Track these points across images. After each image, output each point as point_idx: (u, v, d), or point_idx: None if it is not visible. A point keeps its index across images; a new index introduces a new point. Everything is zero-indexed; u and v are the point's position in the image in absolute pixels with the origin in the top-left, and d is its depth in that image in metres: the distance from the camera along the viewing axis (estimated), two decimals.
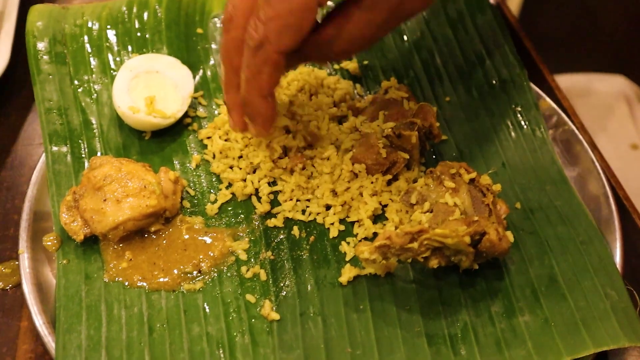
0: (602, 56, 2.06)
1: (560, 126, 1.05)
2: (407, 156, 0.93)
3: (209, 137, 1.00)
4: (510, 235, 0.84)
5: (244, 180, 0.94)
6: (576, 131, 1.03)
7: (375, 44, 0.84)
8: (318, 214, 0.92)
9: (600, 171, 0.98)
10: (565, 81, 1.53)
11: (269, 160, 0.94)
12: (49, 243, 0.88)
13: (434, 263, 0.81)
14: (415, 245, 0.79)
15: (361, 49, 0.84)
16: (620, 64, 1.98)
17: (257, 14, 0.76)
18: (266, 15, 0.75)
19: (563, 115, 1.05)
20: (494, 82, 1.09)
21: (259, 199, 0.93)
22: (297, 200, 0.93)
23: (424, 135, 0.94)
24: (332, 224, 0.91)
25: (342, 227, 0.91)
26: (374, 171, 0.93)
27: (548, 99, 1.07)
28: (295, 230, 0.91)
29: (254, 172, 0.95)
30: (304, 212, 0.93)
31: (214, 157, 0.98)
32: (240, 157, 0.97)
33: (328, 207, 0.92)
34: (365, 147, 0.93)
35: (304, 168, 0.93)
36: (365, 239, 0.90)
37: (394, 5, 0.78)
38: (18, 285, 0.89)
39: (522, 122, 1.04)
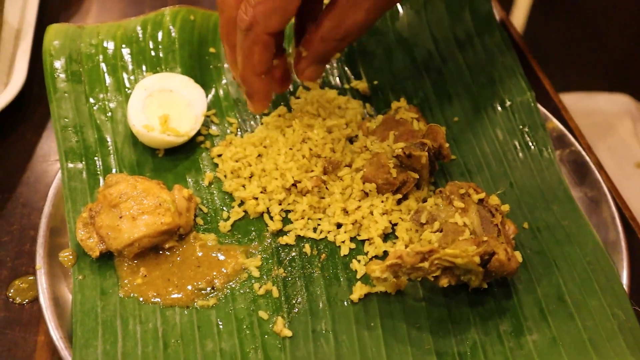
0: (605, 74, 2.08)
1: (567, 147, 1.06)
2: (417, 176, 0.95)
3: (219, 155, 1.02)
4: (518, 256, 0.86)
5: (256, 198, 0.96)
6: (583, 152, 1.04)
7: (370, 28, 0.94)
8: (329, 232, 0.93)
9: (607, 192, 0.99)
10: (569, 100, 1.54)
11: (282, 190, 0.95)
12: (65, 259, 0.90)
13: (444, 282, 0.83)
14: (426, 264, 0.81)
15: (358, 34, 0.92)
16: (623, 82, 2.00)
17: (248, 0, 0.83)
18: None
19: (569, 135, 1.07)
20: (502, 102, 1.10)
21: (271, 217, 0.95)
22: (309, 219, 0.94)
23: (434, 155, 0.96)
24: (343, 242, 0.93)
25: (353, 245, 0.93)
26: (384, 190, 0.95)
27: (555, 120, 1.09)
28: (307, 248, 0.92)
29: (266, 190, 0.97)
30: (315, 230, 0.94)
31: (225, 176, 1.00)
32: (252, 176, 0.99)
33: (339, 226, 0.94)
34: (375, 167, 0.95)
35: (317, 190, 0.95)
36: (376, 257, 0.91)
37: None
38: (35, 300, 0.90)
39: (530, 143, 1.05)
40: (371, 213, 0.93)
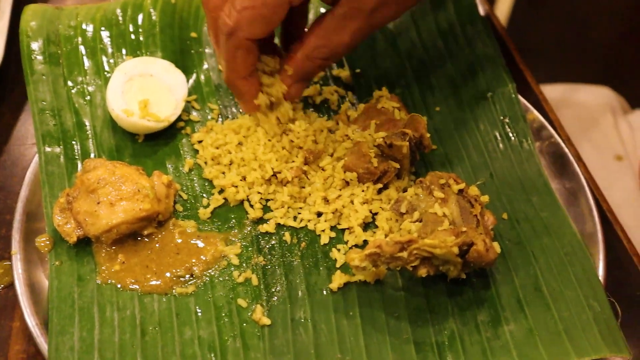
0: (588, 66, 2.09)
1: (547, 139, 1.07)
2: (397, 166, 0.95)
3: (200, 142, 1.01)
4: (497, 247, 0.86)
5: (236, 186, 0.95)
6: (562, 144, 1.05)
7: (356, 48, 0.94)
8: (309, 220, 0.93)
9: (585, 184, 1.00)
10: (551, 91, 1.55)
11: (262, 180, 0.95)
12: (42, 244, 0.88)
13: (422, 272, 0.83)
14: (404, 254, 0.81)
15: (343, 53, 0.93)
16: (605, 74, 2.01)
17: (233, 2, 0.82)
18: (241, 4, 0.81)
19: (550, 127, 1.07)
20: (483, 93, 1.10)
21: (251, 205, 0.94)
22: (289, 208, 0.94)
23: (415, 145, 0.96)
24: (323, 230, 0.92)
25: (333, 234, 0.93)
26: (365, 180, 0.95)
27: (535, 112, 1.09)
28: (287, 236, 0.92)
29: (246, 180, 0.96)
30: (295, 218, 0.94)
31: (205, 163, 0.99)
32: (231, 163, 0.98)
33: (319, 214, 0.94)
34: (356, 156, 0.95)
35: (298, 180, 0.95)
36: (356, 246, 0.91)
37: (365, 14, 0.86)
38: (10, 286, 0.89)
39: (510, 134, 1.06)
40: (352, 202, 0.93)
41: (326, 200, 0.94)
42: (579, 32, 2.23)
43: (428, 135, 0.96)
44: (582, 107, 1.61)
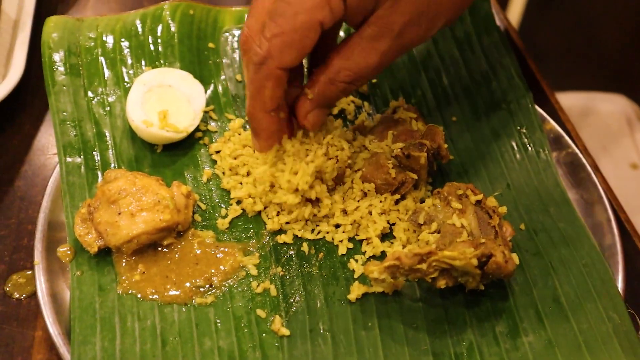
0: (599, 73, 2.09)
1: (564, 148, 1.07)
2: (415, 176, 0.96)
3: (218, 152, 1.02)
4: (515, 258, 0.86)
5: (254, 197, 0.95)
6: (579, 154, 1.05)
7: (381, 71, 0.89)
8: (327, 232, 0.93)
9: (603, 194, 1.00)
10: (566, 100, 1.55)
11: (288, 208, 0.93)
12: (63, 254, 0.89)
13: (441, 283, 0.83)
14: (424, 266, 0.81)
15: (369, 77, 0.88)
16: (617, 81, 2.00)
17: (263, 32, 0.80)
18: (271, 32, 0.79)
19: (567, 137, 1.08)
20: (499, 103, 1.11)
21: (268, 217, 0.95)
22: (307, 220, 0.94)
23: (432, 156, 0.96)
24: (341, 241, 0.93)
25: (351, 245, 0.93)
26: (382, 190, 0.95)
27: (552, 122, 1.09)
28: (305, 247, 0.93)
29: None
30: (312, 230, 0.94)
31: (223, 173, 1.00)
32: (249, 174, 0.98)
33: (337, 226, 0.94)
34: (374, 167, 0.95)
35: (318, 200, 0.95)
36: (374, 256, 0.92)
37: (394, 34, 0.82)
38: (32, 295, 0.90)
39: (527, 144, 1.06)
40: (370, 213, 0.94)
41: (344, 212, 0.94)
42: (590, 38, 2.22)
43: (445, 145, 0.96)
44: (598, 115, 1.61)
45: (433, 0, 0.83)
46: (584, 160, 1.04)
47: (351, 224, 0.93)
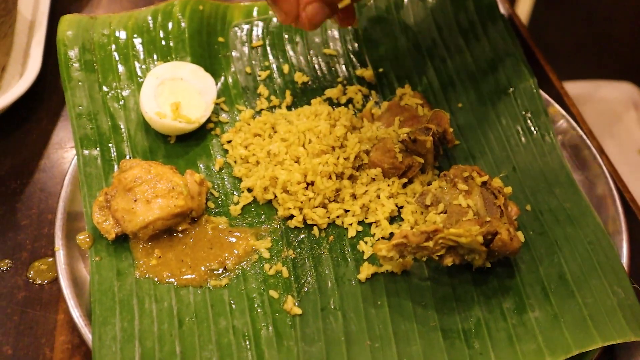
0: (609, 63, 2.09)
1: (569, 132, 1.09)
2: (422, 160, 0.98)
3: (229, 142, 1.05)
4: (520, 235, 0.88)
5: (265, 187, 0.98)
6: (584, 137, 1.07)
7: None
8: (338, 217, 0.96)
9: (608, 175, 1.02)
10: (573, 88, 1.56)
11: (293, 183, 0.96)
12: (83, 241, 0.93)
13: (448, 261, 0.85)
14: (430, 244, 0.83)
15: None
16: (627, 70, 2.01)
17: None
18: None
19: (572, 121, 1.09)
20: (504, 89, 1.12)
21: (279, 203, 0.98)
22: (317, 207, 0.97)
23: (438, 140, 0.99)
24: (351, 224, 0.95)
25: (360, 228, 0.95)
26: (390, 175, 0.97)
27: (557, 106, 1.11)
28: (315, 230, 0.95)
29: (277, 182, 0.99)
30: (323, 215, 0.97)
31: (235, 162, 1.03)
32: (258, 163, 1.01)
33: (346, 210, 0.97)
34: (382, 152, 0.98)
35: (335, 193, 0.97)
36: (382, 238, 0.94)
37: None
38: (54, 281, 0.94)
39: (532, 128, 1.08)
40: (378, 197, 0.96)
41: (354, 197, 0.97)
42: (599, 30, 2.22)
43: (451, 129, 0.99)
44: (604, 102, 1.62)
45: None
46: (588, 142, 1.06)
47: (360, 208, 0.96)
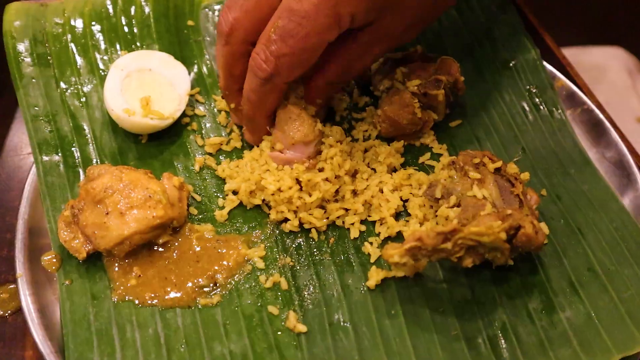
0: (595, 28, 2.02)
1: (578, 106, 1.00)
2: (436, 116, 0.92)
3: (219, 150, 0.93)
4: (545, 227, 0.80)
5: (252, 191, 0.87)
6: (596, 110, 0.98)
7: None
8: (338, 217, 0.86)
9: (626, 151, 0.93)
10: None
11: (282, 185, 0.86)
12: (49, 263, 0.81)
13: (468, 262, 0.76)
14: (448, 245, 0.74)
15: (360, 74, 0.94)
16: (613, 34, 1.94)
17: (268, 47, 0.78)
18: (279, 51, 0.78)
19: (580, 93, 1.00)
20: (505, 62, 1.04)
21: (269, 207, 0.87)
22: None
23: (449, 90, 0.92)
24: (352, 224, 0.85)
25: (363, 228, 0.86)
26: (407, 130, 0.91)
27: (563, 78, 1.02)
28: (314, 233, 0.85)
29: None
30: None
31: (217, 163, 0.92)
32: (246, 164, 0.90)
33: (347, 209, 0.86)
34: (398, 106, 0.90)
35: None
36: (389, 237, 0.84)
37: (393, 39, 0.86)
38: (18, 311, 0.82)
39: (539, 104, 0.99)
40: (381, 191, 0.86)
41: (354, 193, 0.86)
42: None
43: (462, 78, 0.92)
44: (597, 69, 1.55)
45: (429, 8, 0.86)
46: (601, 116, 0.97)
47: (362, 205, 0.85)
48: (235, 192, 0.89)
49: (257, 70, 0.80)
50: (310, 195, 0.84)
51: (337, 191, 0.86)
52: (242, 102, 0.88)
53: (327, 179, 0.85)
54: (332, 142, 0.87)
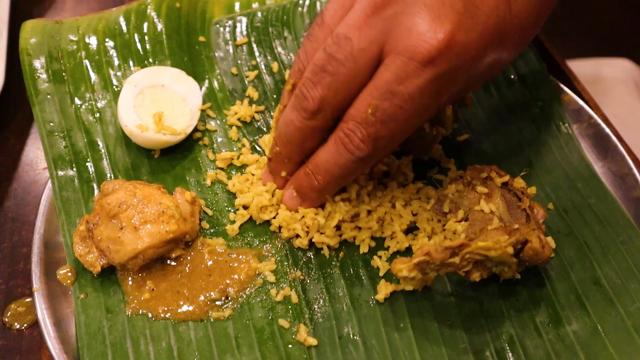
0: (602, 40, 2.03)
1: (585, 120, 1.01)
2: (444, 131, 0.91)
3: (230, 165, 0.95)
4: (551, 241, 0.81)
5: (263, 207, 0.88)
6: (602, 124, 0.99)
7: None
8: (353, 237, 0.87)
9: (632, 165, 0.94)
10: (571, 68, 1.49)
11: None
12: (64, 277, 0.83)
13: (475, 276, 0.77)
14: (456, 259, 0.75)
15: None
16: (621, 47, 1.95)
17: (366, 128, 0.75)
18: (378, 134, 0.75)
19: (586, 107, 1.01)
20: (512, 76, 1.05)
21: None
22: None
23: (456, 104, 0.93)
24: (363, 240, 0.86)
25: (373, 244, 0.87)
26: (418, 146, 0.90)
27: (570, 92, 1.03)
28: (325, 250, 0.86)
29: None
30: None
31: (228, 177, 0.93)
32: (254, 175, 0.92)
33: (359, 227, 0.87)
34: None
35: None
36: (398, 252, 0.86)
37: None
38: (34, 325, 0.83)
39: (545, 118, 1.00)
40: (393, 206, 0.87)
41: (368, 213, 0.87)
42: (578, 10, 2.16)
43: (470, 93, 0.92)
44: (603, 81, 1.55)
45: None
46: (607, 130, 0.98)
47: (376, 222, 0.86)
48: (245, 207, 0.90)
49: (355, 150, 0.77)
50: (326, 220, 0.84)
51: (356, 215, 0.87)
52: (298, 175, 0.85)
53: (348, 199, 0.86)
54: None
